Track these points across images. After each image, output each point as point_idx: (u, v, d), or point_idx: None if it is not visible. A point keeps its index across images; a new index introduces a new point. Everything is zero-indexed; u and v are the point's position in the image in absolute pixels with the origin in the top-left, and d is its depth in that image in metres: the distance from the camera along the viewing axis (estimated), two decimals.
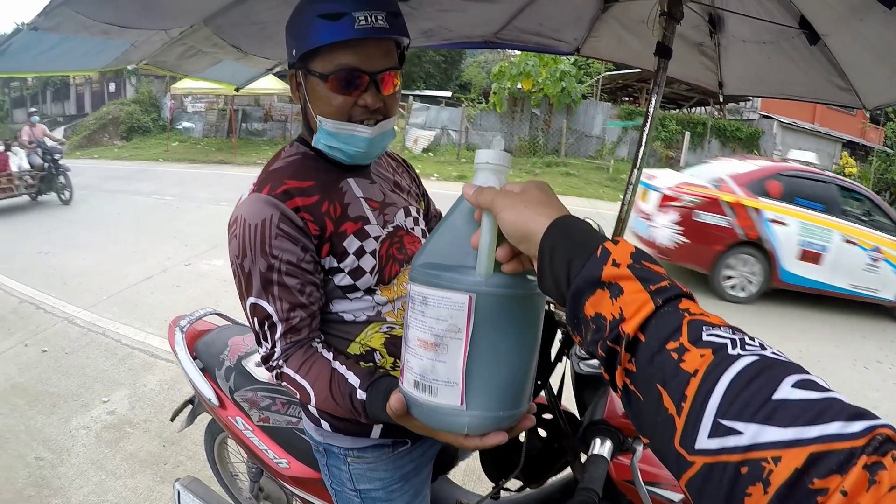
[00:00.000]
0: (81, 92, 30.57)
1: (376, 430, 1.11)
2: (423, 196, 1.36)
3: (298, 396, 1.01)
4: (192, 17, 1.41)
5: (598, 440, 1.09)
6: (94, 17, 1.06)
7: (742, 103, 18.00)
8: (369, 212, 1.08)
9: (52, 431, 3.10)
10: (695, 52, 2.02)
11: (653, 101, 1.62)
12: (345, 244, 1.03)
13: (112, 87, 27.90)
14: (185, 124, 21.17)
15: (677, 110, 19.65)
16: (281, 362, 1.00)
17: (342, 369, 0.97)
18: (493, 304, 0.67)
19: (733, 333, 0.43)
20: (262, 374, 1.64)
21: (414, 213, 1.20)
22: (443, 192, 9.55)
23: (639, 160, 1.64)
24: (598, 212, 9.00)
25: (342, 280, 1.04)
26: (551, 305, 1.41)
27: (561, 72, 15.87)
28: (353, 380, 0.96)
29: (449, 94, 27.53)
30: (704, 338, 0.43)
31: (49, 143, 10.52)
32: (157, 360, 3.84)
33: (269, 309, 0.98)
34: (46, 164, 10.23)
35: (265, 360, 1.03)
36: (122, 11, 1.11)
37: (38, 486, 2.67)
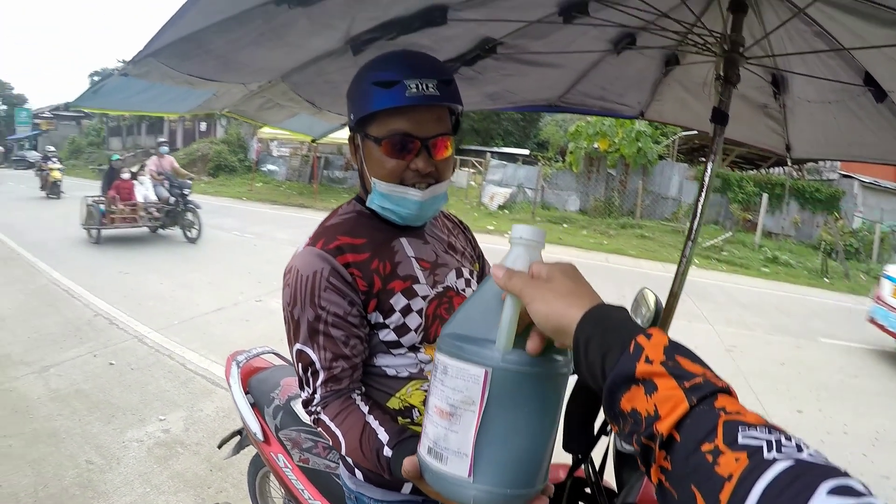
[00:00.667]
0: (174, 128, 33.25)
1: (407, 487, 1.11)
2: (479, 258, 1.37)
3: (331, 442, 1.04)
4: (268, 74, 1.54)
5: None
6: (178, 69, 1.20)
7: (821, 163, 17.23)
8: (419, 271, 1.10)
9: (106, 439, 3.25)
10: (760, 114, 1.98)
11: (708, 170, 1.56)
12: (391, 301, 1.05)
13: (203, 126, 30.21)
14: (270, 167, 22.43)
15: (755, 170, 18.90)
16: (319, 408, 1.04)
17: (374, 424, 0.99)
18: (510, 381, 0.67)
19: (770, 433, 0.42)
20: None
21: (466, 274, 1.21)
22: None
23: (693, 231, 1.56)
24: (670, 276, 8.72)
25: (387, 336, 1.06)
26: None
27: (637, 132, 15.79)
28: (383, 436, 0.97)
29: (527, 152, 27.64)
30: (740, 440, 0.42)
31: (177, 176, 10.39)
32: (217, 388, 3.96)
33: (314, 356, 1.02)
34: (174, 199, 9.97)
35: (305, 405, 1.07)
36: (204, 66, 1.25)
37: (84, 486, 2.79)
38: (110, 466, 2.99)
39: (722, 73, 1.45)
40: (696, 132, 16.90)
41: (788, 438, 0.42)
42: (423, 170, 1.01)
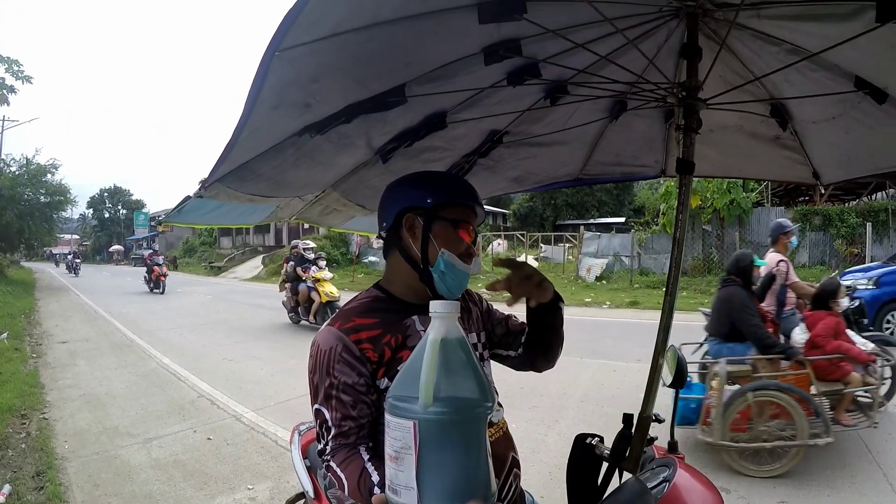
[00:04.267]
0: (280, 227, 36.07)
1: None
2: (489, 318, 1.55)
3: (336, 485, 1.21)
4: (316, 187, 1.82)
5: None
6: (240, 190, 1.50)
7: None
8: None
9: (197, 503, 3.56)
10: (775, 147, 1.93)
11: (677, 223, 1.53)
12: (399, 368, 1.20)
13: (307, 224, 32.28)
14: (371, 258, 23.82)
15: (856, 200, 17.71)
16: (329, 457, 1.20)
17: (370, 469, 1.14)
18: (433, 427, 0.83)
19: None
20: None
21: (473, 339, 1.42)
22: (615, 321, 10.24)
23: (671, 284, 1.49)
24: None
25: None
26: (594, 440, 1.49)
27: (728, 183, 15.21)
28: (376, 478, 1.11)
29: (622, 220, 27.22)
30: None
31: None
32: None
33: (327, 415, 1.20)
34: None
35: (319, 454, 1.23)
36: (259, 186, 1.54)
37: None
38: None
39: (682, 122, 1.46)
40: None
41: None
42: (473, 252, 1.31)
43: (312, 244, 11.47)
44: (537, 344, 1.49)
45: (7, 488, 3.57)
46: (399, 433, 0.85)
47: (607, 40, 1.42)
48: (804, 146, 1.90)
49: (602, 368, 6.81)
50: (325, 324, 1.29)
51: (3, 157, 24.73)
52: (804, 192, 19.71)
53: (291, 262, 11.04)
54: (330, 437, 1.21)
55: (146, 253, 22.67)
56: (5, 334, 9.07)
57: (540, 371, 1.58)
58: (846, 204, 17.26)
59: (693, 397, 3.99)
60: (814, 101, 1.57)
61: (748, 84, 1.54)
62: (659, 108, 1.76)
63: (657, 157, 2.19)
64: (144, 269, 20.21)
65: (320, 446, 1.24)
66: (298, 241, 11.73)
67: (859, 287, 8.21)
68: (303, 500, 2.26)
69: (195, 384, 6.58)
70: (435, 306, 0.91)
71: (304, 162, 1.51)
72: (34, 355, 8.06)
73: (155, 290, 19.11)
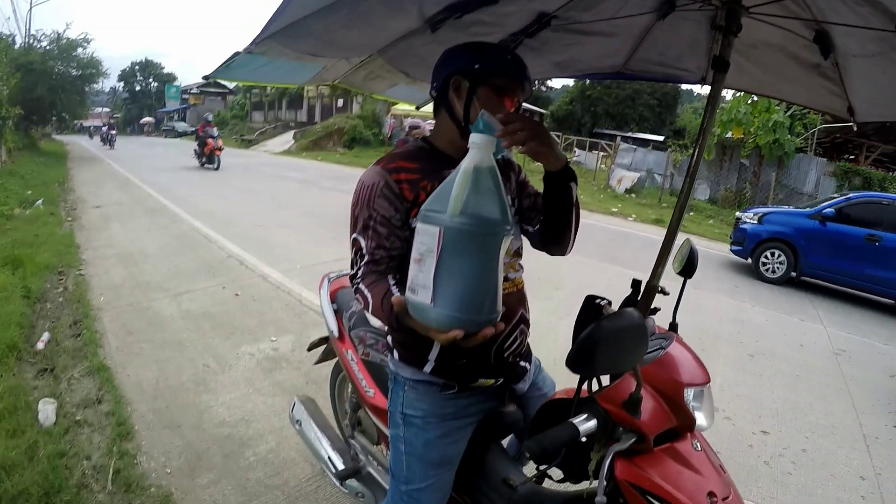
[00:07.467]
0: (313, 104, 35.69)
1: (428, 366, 1.43)
2: (522, 189, 1.60)
3: (362, 304, 1.34)
4: (364, 50, 1.84)
5: (584, 415, 1.16)
6: (290, 48, 1.52)
7: None
8: None
9: (223, 350, 3.92)
10: (815, 75, 1.92)
11: (706, 116, 1.61)
12: None
13: (341, 102, 32.04)
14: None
15: None
16: (359, 280, 1.32)
17: (394, 289, 1.23)
18: (456, 235, 0.94)
19: None
20: (375, 321, 2.03)
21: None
22: (638, 234, 10.35)
23: (686, 189, 1.63)
24: None
25: None
26: (603, 301, 1.48)
27: (774, 122, 14.76)
28: (394, 289, 1.23)
29: (661, 138, 26.43)
30: None
31: None
32: None
33: (363, 244, 1.32)
34: None
35: (351, 279, 1.35)
36: (309, 44, 1.56)
37: (197, 383, 3.44)
38: (223, 370, 3.63)
39: (723, 23, 1.52)
40: (836, 125, 15.43)
41: None
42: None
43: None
44: (547, 224, 1.53)
45: (46, 336, 3.89)
46: (426, 238, 0.98)
47: None
48: (843, 78, 1.87)
49: (619, 275, 6.94)
50: (372, 163, 1.40)
51: (34, 32, 24.36)
52: (850, 150, 18.93)
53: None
54: (363, 262, 1.34)
55: (186, 127, 22.23)
56: (40, 200, 9.39)
57: (553, 254, 1.64)
58: (891, 172, 16.52)
59: None
60: (856, 35, 1.53)
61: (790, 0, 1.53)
62: (704, 11, 1.75)
63: (699, 64, 2.16)
64: (196, 141, 18.32)
65: (352, 272, 1.37)
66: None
67: (745, 220, 8.91)
68: (325, 345, 2.47)
69: (225, 245, 6.89)
70: (474, 137, 1.01)
71: (357, 23, 1.53)
72: (69, 219, 8.35)
73: (208, 166, 17.13)
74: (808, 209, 8.57)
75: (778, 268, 8.29)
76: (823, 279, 8.16)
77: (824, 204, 8.36)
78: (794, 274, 8.20)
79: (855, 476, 3.16)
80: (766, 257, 8.40)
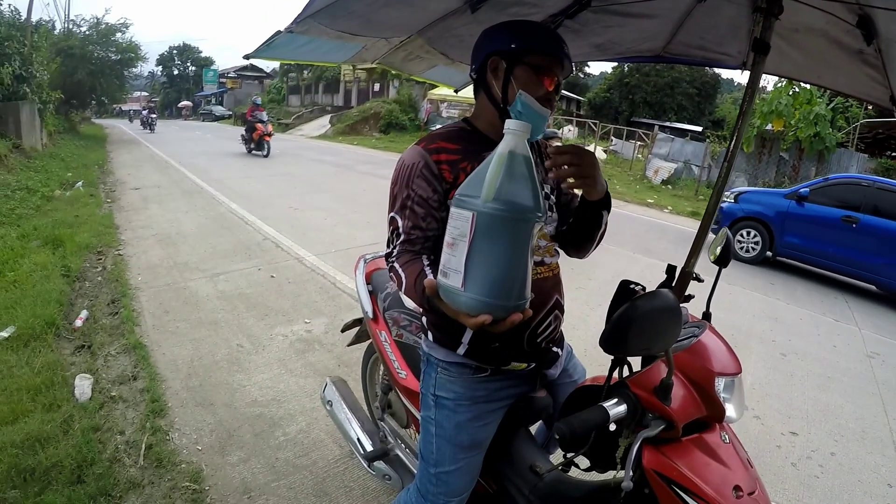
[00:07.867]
0: (350, 88, 35.85)
1: (462, 348, 1.42)
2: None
3: (396, 283, 1.34)
4: (404, 30, 1.83)
5: (615, 399, 1.15)
6: (330, 27, 1.53)
7: None
8: None
9: (257, 331, 3.97)
10: (857, 62, 1.87)
11: (746, 100, 1.60)
12: None
13: (377, 86, 32.11)
14: (438, 126, 23.29)
15: None
16: (394, 259, 1.33)
17: (428, 270, 1.23)
18: (488, 221, 0.95)
19: None
20: (409, 303, 2.02)
21: (546, 190, 1.49)
22: (673, 226, 10.04)
23: (724, 173, 1.64)
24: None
25: None
26: (637, 286, 1.40)
27: (816, 114, 14.26)
28: (428, 270, 1.23)
29: (699, 129, 25.83)
30: None
31: None
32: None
33: (400, 223, 1.34)
34: None
35: (387, 257, 1.37)
36: (350, 23, 1.56)
37: (231, 362, 3.49)
38: (256, 351, 3.66)
39: (765, 6, 1.51)
40: (880, 119, 14.86)
41: None
42: (553, 99, 1.36)
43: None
44: (570, 233, 1.54)
45: (84, 314, 3.99)
46: (459, 222, 0.98)
47: None
48: (886, 66, 1.80)
49: (651, 266, 6.82)
50: (413, 143, 1.39)
51: (73, 17, 24.77)
52: (893, 147, 18.17)
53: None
54: (398, 241, 1.35)
55: (224, 111, 22.08)
56: (80, 182, 9.62)
57: (569, 256, 1.65)
58: None
59: None
60: None
61: None
62: None
63: (740, 48, 2.11)
64: (243, 126, 17.31)
65: (388, 250, 1.38)
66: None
67: (723, 199, 8.02)
68: (359, 326, 2.48)
69: (261, 228, 6.99)
70: (509, 123, 1.00)
71: (397, 2, 1.53)
72: (108, 200, 8.50)
73: (256, 153, 16.09)
74: (785, 189, 8.35)
75: (753, 247, 8.17)
76: (799, 260, 8.00)
77: (803, 184, 8.15)
78: (769, 254, 8.06)
79: (882, 483, 3.05)
80: (741, 236, 8.26)
